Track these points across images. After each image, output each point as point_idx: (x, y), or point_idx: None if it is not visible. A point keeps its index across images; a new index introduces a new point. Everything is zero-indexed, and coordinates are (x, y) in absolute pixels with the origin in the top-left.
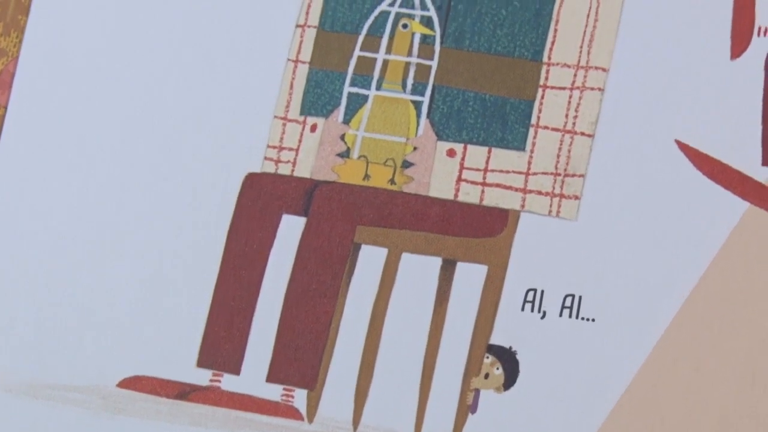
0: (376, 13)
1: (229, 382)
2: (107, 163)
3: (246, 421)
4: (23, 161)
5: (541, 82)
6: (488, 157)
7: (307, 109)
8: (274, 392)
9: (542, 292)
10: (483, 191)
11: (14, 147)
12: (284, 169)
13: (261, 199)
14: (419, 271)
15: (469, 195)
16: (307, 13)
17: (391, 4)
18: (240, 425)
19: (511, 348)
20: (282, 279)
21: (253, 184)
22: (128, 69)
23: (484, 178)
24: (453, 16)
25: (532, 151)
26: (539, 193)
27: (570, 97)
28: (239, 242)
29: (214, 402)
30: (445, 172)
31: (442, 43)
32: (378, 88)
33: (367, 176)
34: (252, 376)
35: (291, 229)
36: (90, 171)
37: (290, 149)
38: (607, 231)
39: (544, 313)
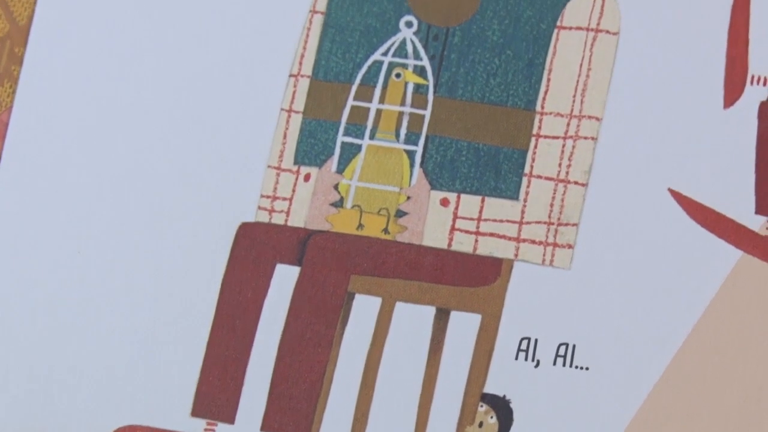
0: (369, 62)
1: None
2: (101, 213)
3: None
4: (16, 212)
5: (535, 132)
6: (482, 207)
7: (300, 159)
8: None
9: (536, 340)
10: (476, 240)
11: (7, 198)
12: (278, 219)
13: (255, 249)
14: (413, 320)
15: (463, 244)
16: (300, 63)
17: (384, 54)
18: None
19: (505, 396)
20: (276, 328)
21: (246, 233)
22: (122, 119)
23: (478, 227)
24: (446, 65)
25: (525, 200)
26: (533, 242)
27: (563, 146)
28: (233, 291)
29: None
30: (438, 221)
31: (435, 92)
32: (371, 137)
33: (360, 226)
34: (246, 426)
35: (285, 278)
36: (84, 222)
37: (284, 199)
38: (600, 280)
39: (538, 361)
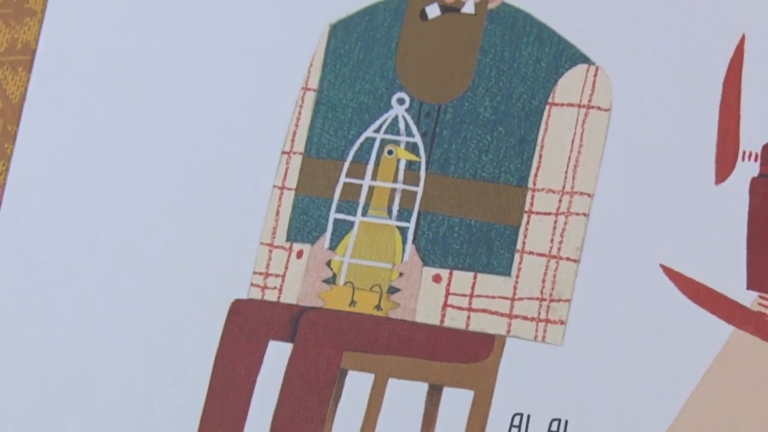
0: (361, 139)
1: None
2: (95, 288)
3: None
4: (8, 293)
5: (527, 208)
6: (474, 283)
7: (293, 236)
8: None
9: (528, 416)
10: (469, 317)
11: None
12: (270, 296)
13: (247, 325)
14: (406, 396)
15: (455, 320)
16: (293, 140)
17: (377, 131)
18: None
19: None
20: (269, 405)
21: (239, 310)
22: (114, 197)
23: (470, 303)
24: (438, 142)
25: (517, 277)
26: (525, 318)
27: (555, 222)
28: (226, 368)
29: None
30: (431, 297)
31: (427, 169)
32: (364, 214)
33: (353, 302)
34: None
35: (278, 355)
36: (78, 296)
37: (276, 275)
38: (592, 356)
39: None
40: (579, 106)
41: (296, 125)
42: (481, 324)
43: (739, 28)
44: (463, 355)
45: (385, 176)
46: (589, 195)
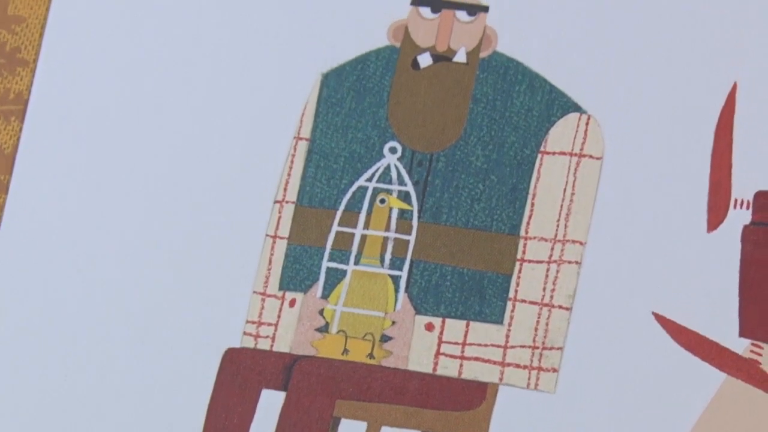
0: (353, 188)
1: None
2: (88, 335)
3: None
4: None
5: (519, 256)
6: (466, 331)
7: (285, 284)
8: None
9: None
10: (461, 365)
11: None
12: (263, 344)
13: (240, 374)
14: None
15: (448, 369)
16: (285, 189)
17: (369, 180)
18: None
19: None
20: None
21: (232, 359)
22: (105, 254)
23: (463, 351)
24: (430, 190)
25: (510, 325)
26: (517, 366)
27: (547, 270)
28: (219, 417)
29: None
30: (423, 346)
31: (419, 217)
32: (356, 263)
33: (346, 351)
34: None
35: (271, 403)
36: (70, 346)
37: (269, 324)
38: (585, 403)
39: None
40: (571, 154)
41: (288, 174)
42: (473, 372)
43: (730, 77)
44: (456, 403)
45: (378, 225)
46: (581, 243)
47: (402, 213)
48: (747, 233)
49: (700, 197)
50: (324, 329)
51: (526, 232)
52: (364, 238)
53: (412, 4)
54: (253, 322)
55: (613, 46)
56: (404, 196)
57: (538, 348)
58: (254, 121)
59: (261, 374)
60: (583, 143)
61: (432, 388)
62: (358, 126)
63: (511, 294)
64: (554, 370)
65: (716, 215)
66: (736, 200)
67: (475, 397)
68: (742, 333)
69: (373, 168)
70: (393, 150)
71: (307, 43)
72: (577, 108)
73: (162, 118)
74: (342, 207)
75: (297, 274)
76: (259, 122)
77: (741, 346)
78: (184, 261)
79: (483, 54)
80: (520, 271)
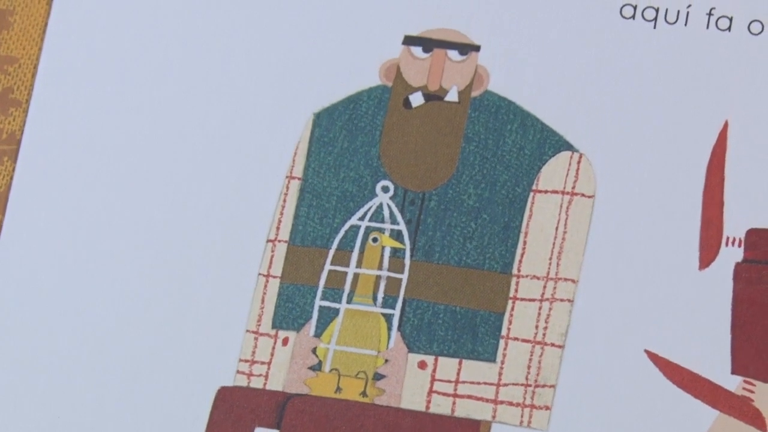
0: (346, 227)
1: None
2: (80, 382)
3: None
4: None
5: (511, 294)
6: (459, 369)
7: (278, 323)
8: None
9: None
10: (454, 402)
11: None
12: (256, 383)
13: (234, 413)
14: None
15: (441, 406)
16: (278, 228)
17: (361, 219)
18: None
19: None
20: None
21: (225, 397)
22: (98, 292)
23: (456, 389)
24: (423, 229)
25: (502, 363)
26: (510, 403)
27: (540, 308)
28: None
29: None
30: (416, 384)
31: (412, 256)
32: (349, 301)
33: (338, 389)
34: None
35: None
36: (62, 392)
37: (262, 363)
38: None
39: None
40: (563, 192)
41: (281, 213)
42: (466, 410)
43: (721, 115)
44: None
45: (370, 264)
46: (573, 281)
47: (394, 251)
48: (739, 270)
49: (692, 235)
50: (317, 367)
51: (519, 270)
52: (356, 276)
53: (404, 43)
54: (246, 361)
55: (605, 85)
56: (396, 235)
57: (530, 386)
58: (247, 160)
59: (254, 412)
60: (575, 182)
61: (425, 426)
62: (350, 165)
63: (504, 332)
64: (547, 408)
65: (708, 253)
66: (728, 238)
67: None
68: (735, 370)
69: (366, 207)
70: (385, 189)
71: (299, 83)
72: (568, 146)
73: (156, 159)
74: (334, 246)
75: (290, 312)
76: (252, 161)
77: (733, 383)
78: (177, 300)
79: (475, 93)
80: (512, 309)
